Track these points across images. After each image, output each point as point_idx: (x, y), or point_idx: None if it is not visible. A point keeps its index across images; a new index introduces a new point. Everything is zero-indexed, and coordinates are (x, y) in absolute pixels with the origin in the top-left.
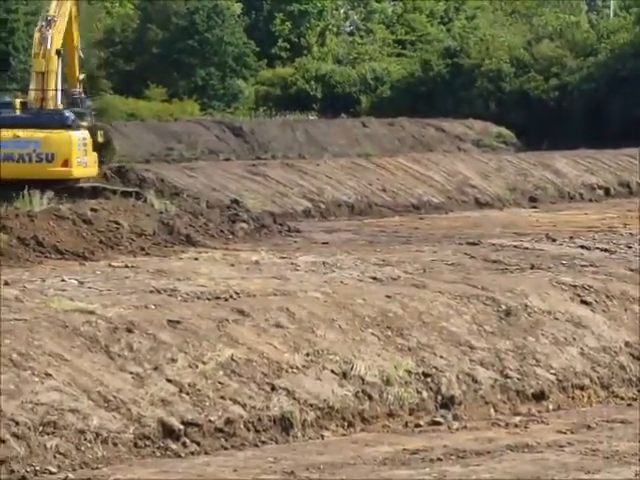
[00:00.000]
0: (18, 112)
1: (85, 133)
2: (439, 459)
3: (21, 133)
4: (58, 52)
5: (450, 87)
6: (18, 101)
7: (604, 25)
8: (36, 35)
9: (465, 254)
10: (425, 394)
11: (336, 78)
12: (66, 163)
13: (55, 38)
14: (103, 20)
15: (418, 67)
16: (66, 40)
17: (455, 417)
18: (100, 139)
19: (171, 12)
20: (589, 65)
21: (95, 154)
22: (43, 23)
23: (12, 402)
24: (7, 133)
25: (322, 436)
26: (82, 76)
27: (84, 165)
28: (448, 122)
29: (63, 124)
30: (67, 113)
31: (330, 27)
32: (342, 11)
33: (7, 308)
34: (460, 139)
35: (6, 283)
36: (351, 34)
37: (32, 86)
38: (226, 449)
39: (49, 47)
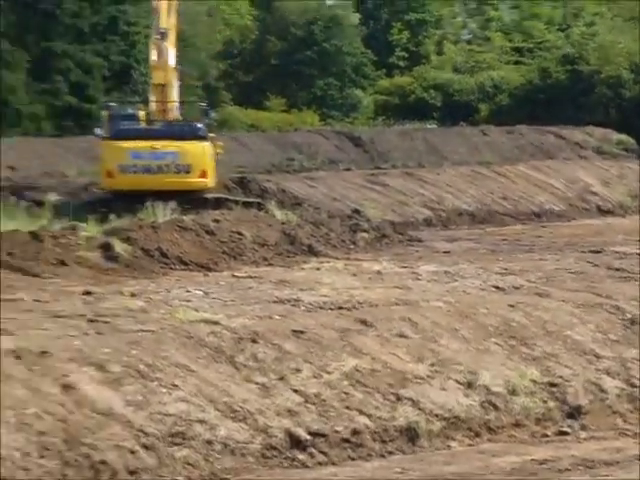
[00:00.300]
0: (143, 124)
1: (209, 145)
2: (567, 469)
3: (158, 144)
4: (175, 64)
5: (569, 94)
6: (142, 113)
7: None
8: (152, 48)
9: (588, 262)
10: (551, 404)
11: (454, 86)
12: (204, 174)
13: (171, 50)
14: (222, 32)
15: (536, 74)
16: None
17: (582, 427)
18: (219, 150)
19: (289, 23)
20: None
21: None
22: (157, 36)
23: (140, 413)
24: (144, 145)
25: (449, 446)
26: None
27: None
28: (568, 129)
29: (195, 135)
30: (198, 124)
31: (448, 35)
32: (460, 19)
33: (133, 319)
34: (580, 146)
35: (132, 294)
36: (469, 42)
37: (152, 98)
38: (353, 459)
39: (166, 59)
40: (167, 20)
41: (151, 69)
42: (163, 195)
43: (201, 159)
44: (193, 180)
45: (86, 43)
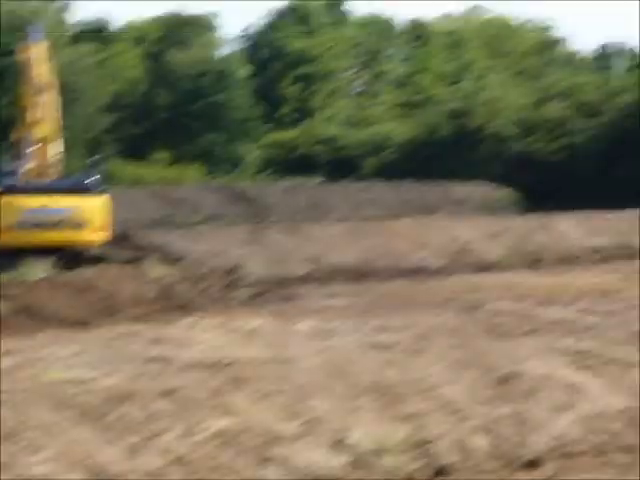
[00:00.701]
0: (25, 179)
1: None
2: None
3: (52, 200)
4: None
5: (456, 149)
6: (25, 168)
7: (611, 86)
8: (29, 102)
9: (464, 319)
10: (420, 462)
11: (341, 141)
12: (98, 228)
13: (52, 103)
14: (110, 85)
15: (424, 129)
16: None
17: None
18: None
19: (179, 76)
20: (595, 126)
21: None
22: (34, 89)
23: (4, 475)
24: (38, 200)
25: None
26: None
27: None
28: (452, 185)
29: (90, 190)
30: (91, 179)
31: (337, 90)
32: (349, 73)
33: (3, 377)
34: (464, 202)
35: (5, 352)
36: (358, 96)
37: (28, 153)
38: None
39: (47, 114)
40: (43, 72)
41: (29, 125)
42: (44, 251)
43: (96, 214)
44: (87, 235)
45: None
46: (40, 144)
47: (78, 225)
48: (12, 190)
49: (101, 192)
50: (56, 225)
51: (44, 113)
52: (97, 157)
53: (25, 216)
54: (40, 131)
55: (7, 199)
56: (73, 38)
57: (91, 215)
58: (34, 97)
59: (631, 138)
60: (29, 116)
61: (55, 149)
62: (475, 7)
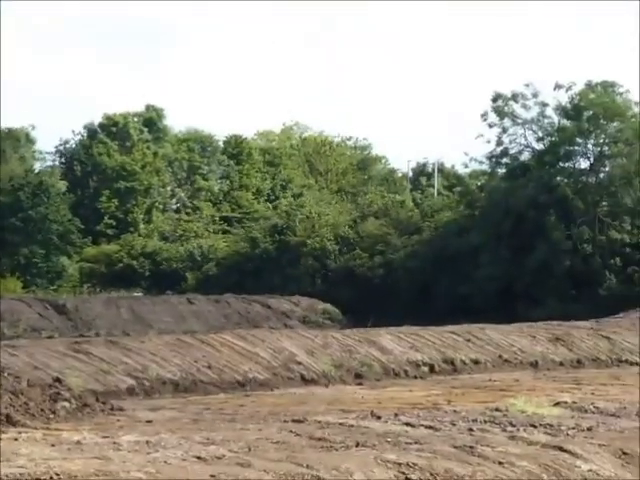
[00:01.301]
0: None
1: None
2: None
3: None
4: None
5: (277, 264)
6: None
7: (428, 204)
8: None
9: (290, 432)
10: None
11: (162, 255)
12: None
13: None
14: None
15: (245, 244)
16: None
17: None
18: None
19: None
20: (413, 243)
21: None
22: None
23: None
24: None
25: None
26: None
27: None
28: (274, 299)
29: None
30: None
31: (157, 204)
32: (169, 188)
33: None
34: (286, 316)
35: None
36: (177, 211)
37: None
38: None
39: None
40: None
41: None
42: None
43: None
44: None
45: None
46: None
47: None
48: None
49: None
50: None
51: None
52: None
53: None
54: None
55: None
56: None
57: None
58: None
59: (448, 255)
60: None
61: None
62: (294, 124)
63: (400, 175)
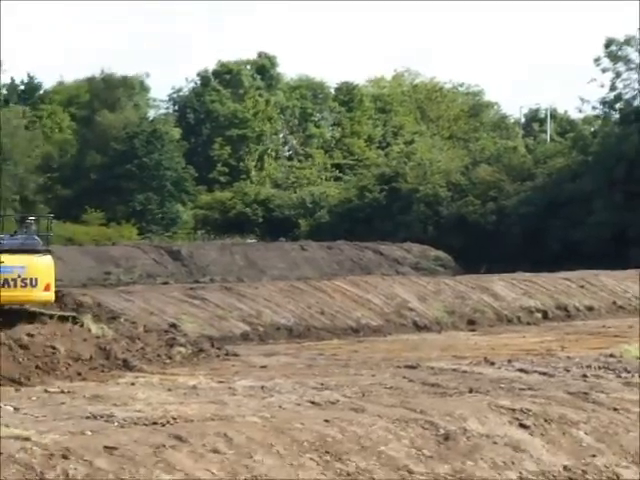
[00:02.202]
0: None
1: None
2: None
3: (4, 258)
4: None
5: (388, 211)
6: None
7: (541, 150)
8: None
9: (403, 377)
10: None
11: (275, 202)
12: (48, 287)
13: None
14: (41, 146)
15: (356, 191)
16: None
17: None
18: None
19: (110, 137)
20: (526, 189)
21: None
22: None
23: None
24: None
25: None
26: None
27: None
28: (386, 245)
29: (36, 249)
30: (36, 238)
31: (269, 151)
32: (281, 136)
33: None
34: (398, 262)
35: None
36: (289, 158)
37: None
38: None
39: None
40: None
41: None
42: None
43: (48, 272)
44: (38, 294)
45: None
46: None
47: (30, 284)
48: None
49: (46, 252)
50: (7, 283)
51: None
52: (37, 217)
53: None
54: None
55: None
56: (4, 99)
57: (42, 274)
58: None
59: (561, 201)
60: None
61: None
62: (405, 71)
63: (512, 121)
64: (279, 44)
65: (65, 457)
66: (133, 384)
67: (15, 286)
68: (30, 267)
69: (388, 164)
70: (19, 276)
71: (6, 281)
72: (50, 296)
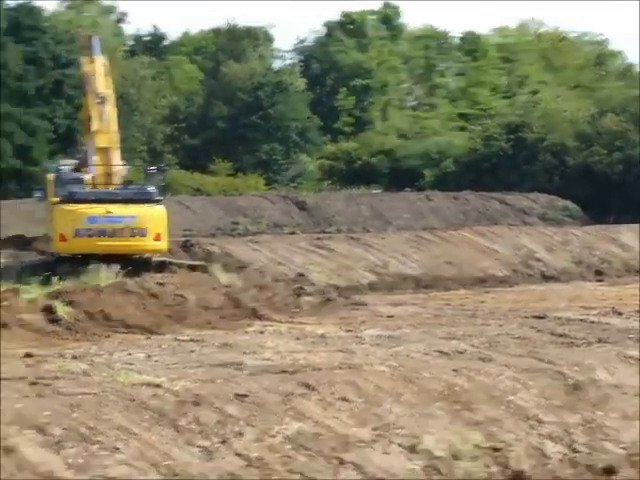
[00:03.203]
0: (88, 187)
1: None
2: None
3: (113, 208)
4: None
5: (513, 161)
6: (88, 176)
7: None
8: (93, 111)
9: (531, 328)
10: (494, 468)
11: (400, 152)
12: (158, 237)
13: (113, 114)
14: (168, 97)
15: (481, 141)
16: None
17: None
18: None
19: (236, 88)
20: None
21: None
22: (97, 100)
23: (81, 476)
24: (99, 209)
25: None
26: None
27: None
28: (513, 195)
29: (150, 199)
30: (151, 188)
31: (393, 101)
32: (405, 86)
33: (75, 382)
34: (525, 212)
35: (74, 357)
36: (414, 109)
37: (92, 162)
38: None
39: (109, 123)
40: (104, 84)
41: (93, 134)
42: (109, 258)
43: (158, 222)
44: (148, 243)
45: (31, 106)
46: (103, 153)
47: (139, 233)
48: (73, 198)
49: (158, 202)
50: (117, 233)
51: (106, 123)
52: (156, 167)
53: (86, 224)
54: (102, 140)
55: (68, 207)
56: (130, 50)
57: (152, 224)
58: (97, 108)
59: None
60: (93, 125)
61: (117, 158)
62: (530, 20)
63: (638, 70)
64: None
65: (196, 404)
66: (262, 332)
67: (124, 236)
68: (139, 217)
69: (514, 113)
70: (128, 226)
71: (115, 231)
72: (160, 246)
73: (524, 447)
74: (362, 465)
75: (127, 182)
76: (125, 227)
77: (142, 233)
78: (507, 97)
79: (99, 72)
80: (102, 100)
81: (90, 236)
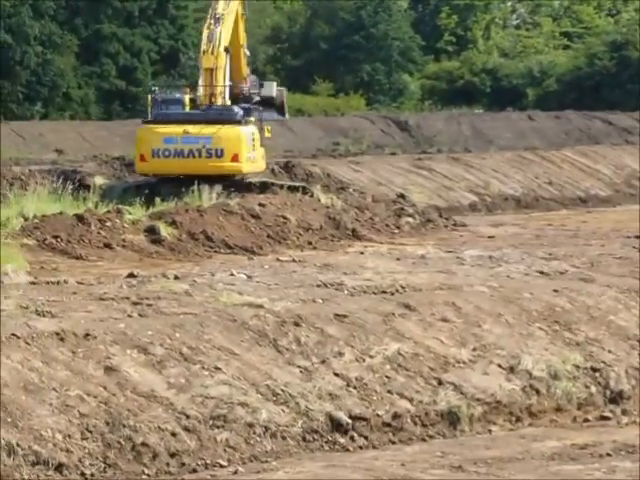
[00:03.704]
0: (187, 109)
1: (253, 128)
2: (608, 454)
3: (191, 129)
4: (226, 49)
5: (617, 80)
6: (187, 97)
7: None
8: (205, 32)
9: (633, 248)
10: (593, 389)
11: (502, 71)
12: (235, 158)
13: (223, 35)
14: (271, 16)
15: (585, 60)
16: (232, 38)
17: (624, 412)
18: (267, 134)
19: (338, 8)
20: None
21: (263, 149)
22: (212, 21)
23: (182, 396)
24: (177, 129)
25: (490, 431)
26: (248, 73)
27: (252, 160)
28: (615, 115)
29: (232, 119)
30: (235, 109)
31: (496, 20)
32: (509, 4)
33: (177, 302)
34: (628, 132)
35: (176, 277)
36: (517, 27)
37: (200, 82)
38: (394, 443)
39: (217, 44)
40: (225, 5)
41: (201, 53)
42: (207, 179)
43: (235, 143)
44: (225, 164)
45: (135, 26)
46: (208, 74)
47: (215, 154)
48: (157, 119)
49: (242, 122)
50: (193, 154)
51: (214, 44)
52: (245, 87)
53: (164, 144)
54: (208, 61)
55: (148, 127)
56: None
57: (229, 144)
58: (210, 29)
59: None
60: (201, 46)
61: (222, 79)
62: None
63: None
64: None
65: (297, 324)
66: (362, 253)
67: (200, 156)
68: (216, 138)
69: (618, 31)
70: (204, 146)
71: (191, 151)
72: (237, 167)
73: (624, 368)
74: (461, 385)
75: (223, 104)
76: (202, 147)
77: (218, 154)
78: (611, 15)
79: None
80: (216, 21)
81: (167, 156)
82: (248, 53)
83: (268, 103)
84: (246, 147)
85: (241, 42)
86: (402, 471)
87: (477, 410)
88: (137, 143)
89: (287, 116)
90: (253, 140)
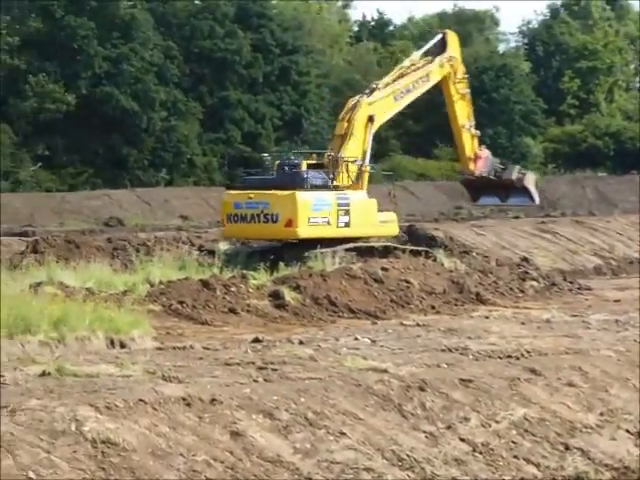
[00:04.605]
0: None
1: (320, 194)
2: None
3: (253, 194)
4: (370, 118)
5: None
6: (305, 162)
7: None
8: (350, 101)
9: None
10: None
11: (626, 134)
12: (290, 223)
13: (365, 106)
14: None
15: None
16: (451, 117)
17: None
18: (393, 200)
19: None
20: None
21: (393, 214)
22: (366, 91)
23: (308, 461)
24: (244, 195)
25: None
26: (477, 153)
27: (339, 225)
28: None
29: (296, 184)
30: (304, 174)
31: (619, 83)
32: (632, 67)
33: (302, 367)
34: None
35: (301, 342)
36: None
37: (330, 148)
38: None
39: (354, 112)
40: (390, 79)
41: (338, 120)
42: (331, 244)
43: (290, 208)
44: (280, 229)
45: (259, 93)
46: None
47: (271, 219)
48: (243, 184)
49: (309, 188)
50: (253, 218)
51: (351, 112)
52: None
53: (234, 209)
54: (339, 127)
55: (228, 192)
56: (355, 36)
57: (284, 210)
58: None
59: None
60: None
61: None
62: None
63: None
64: None
65: (422, 389)
66: (487, 317)
67: (259, 221)
68: (272, 203)
69: None
70: (262, 211)
71: (252, 216)
72: (292, 232)
73: None
74: (588, 451)
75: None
76: (260, 212)
77: (274, 218)
78: None
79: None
80: (370, 91)
81: (236, 221)
82: (475, 132)
83: (507, 187)
84: (304, 212)
85: (460, 122)
86: None
87: (605, 476)
88: (221, 207)
89: (537, 201)
90: (327, 205)
